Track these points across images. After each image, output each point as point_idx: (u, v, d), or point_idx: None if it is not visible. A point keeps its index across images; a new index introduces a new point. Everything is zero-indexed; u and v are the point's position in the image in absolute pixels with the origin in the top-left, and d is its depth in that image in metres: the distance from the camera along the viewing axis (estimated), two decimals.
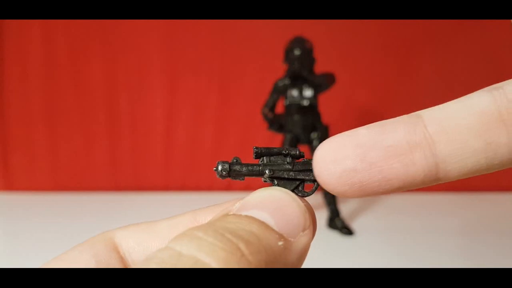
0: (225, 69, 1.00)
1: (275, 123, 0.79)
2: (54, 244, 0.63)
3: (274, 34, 0.92)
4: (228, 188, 1.04)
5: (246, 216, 0.16)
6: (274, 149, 0.20)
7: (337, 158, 0.17)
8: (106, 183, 1.03)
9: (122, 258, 0.18)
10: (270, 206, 0.16)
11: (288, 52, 0.73)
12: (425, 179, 0.16)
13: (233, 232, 0.14)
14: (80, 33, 0.98)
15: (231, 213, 0.16)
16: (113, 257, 0.18)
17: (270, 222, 0.16)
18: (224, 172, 0.19)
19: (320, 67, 0.75)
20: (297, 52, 0.72)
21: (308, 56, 0.73)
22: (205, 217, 0.19)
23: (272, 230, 0.15)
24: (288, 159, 0.19)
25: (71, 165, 1.03)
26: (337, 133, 0.22)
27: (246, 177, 0.19)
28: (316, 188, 0.19)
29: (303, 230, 0.16)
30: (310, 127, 0.78)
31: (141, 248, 0.19)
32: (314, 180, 0.19)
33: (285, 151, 0.19)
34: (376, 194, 0.17)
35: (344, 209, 0.89)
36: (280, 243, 0.15)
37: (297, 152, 0.20)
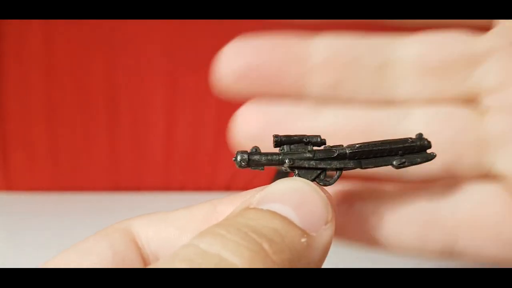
0: None
1: None
2: (54, 244, 0.63)
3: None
4: (228, 188, 1.04)
5: (268, 211, 0.15)
6: (295, 137, 0.19)
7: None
8: (106, 183, 1.03)
9: (140, 249, 0.18)
10: (292, 200, 0.16)
11: None
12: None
13: (256, 230, 0.14)
14: (80, 33, 0.98)
15: (252, 206, 0.16)
16: (131, 247, 0.18)
17: (293, 217, 0.15)
18: (243, 163, 0.19)
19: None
20: None
21: None
22: (226, 208, 0.19)
23: (295, 226, 0.15)
24: (309, 147, 0.19)
25: (71, 165, 1.02)
26: None
27: (266, 167, 0.19)
28: (338, 177, 0.19)
29: (326, 223, 0.16)
30: None
31: (160, 238, 0.19)
32: (336, 169, 0.19)
33: (306, 139, 0.19)
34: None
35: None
36: (303, 240, 0.15)
37: (319, 140, 0.19)
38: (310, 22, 0.20)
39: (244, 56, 0.21)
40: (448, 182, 0.21)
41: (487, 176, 0.21)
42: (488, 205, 0.20)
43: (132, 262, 0.17)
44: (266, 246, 0.14)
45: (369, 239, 0.21)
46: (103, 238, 0.18)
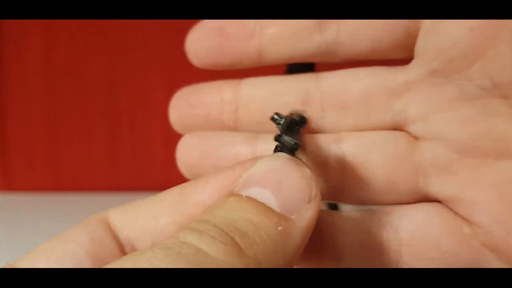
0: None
1: None
2: None
3: None
4: None
5: (247, 198, 0.16)
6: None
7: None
8: (106, 183, 1.03)
9: (114, 235, 0.19)
10: (271, 180, 0.16)
11: None
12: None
13: (230, 224, 0.15)
14: (80, 33, 0.98)
15: (236, 190, 0.17)
16: (107, 234, 0.19)
17: (271, 201, 0.16)
18: None
19: (320, 67, 0.75)
20: None
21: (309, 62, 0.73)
22: (194, 189, 0.20)
23: (272, 212, 0.16)
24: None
25: (71, 165, 1.02)
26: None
27: None
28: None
29: (309, 201, 0.16)
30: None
31: (133, 224, 0.20)
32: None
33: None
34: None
35: (344, 208, 0.89)
36: (280, 228, 0.15)
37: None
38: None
39: (178, 109, 0.27)
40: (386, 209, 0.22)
41: (424, 200, 0.22)
42: (427, 224, 0.21)
43: (109, 247, 0.19)
44: (238, 240, 0.14)
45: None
46: (82, 227, 0.20)
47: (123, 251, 0.19)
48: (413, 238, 0.21)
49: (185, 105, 0.26)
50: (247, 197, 0.16)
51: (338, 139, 0.22)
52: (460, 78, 0.19)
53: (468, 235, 0.20)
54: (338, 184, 0.22)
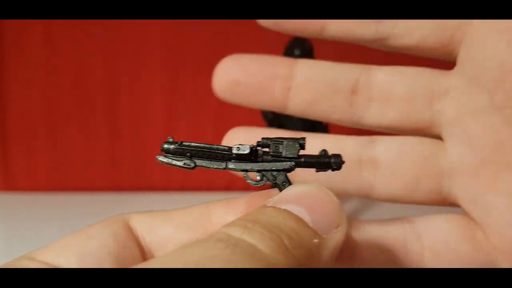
0: None
1: (275, 123, 0.79)
2: None
3: (274, 34, 0.92)
4: (228, 188, 1.04)
5: (285, 210, 0.17)
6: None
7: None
8: (107, 183, 1.03)
9: (137, 239, 0.19)
10: (306, 202, 0.17)
11: (287, 52, 0.73)
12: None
13: (276, 226, 0.15)
14: (80, 33, 0.98)
15: (269, 204, 0.17)
16: (130, 237, 0.19)
17: (306, 218, 0.17)
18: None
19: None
20: (297, 52, 0.72)
21: (308, 56, 0.73)
22: (219, 209, 0.20)
23: (308, 227, 0.17)
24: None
25: (71, 165, 1.02)
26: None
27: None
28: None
29: (336, 226, 0.17)
30: (310, 127, 0.77)
31: (155, 233, 0.20)
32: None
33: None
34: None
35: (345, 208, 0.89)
36: (315, 240, 0.16)
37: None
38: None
39: (233, 73, 0.24)
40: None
41: (444, 201, 0.23)
42: (447, 231, 0.22)
43: (131, 251, 0.18)
44: (286, 241, 0.15)
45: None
46: (106, 226, 0.19)
47: (144, 257, 0.19)
48: (434, 243, 0.22)
49: (240, 71, 0.25)
50: (285, 209, 0.17)
51: (372, 141, 0.24)
52: (493, 87, 0.21)
53: (481, 239, 0.22)
54: (370, 181, 0.23)
